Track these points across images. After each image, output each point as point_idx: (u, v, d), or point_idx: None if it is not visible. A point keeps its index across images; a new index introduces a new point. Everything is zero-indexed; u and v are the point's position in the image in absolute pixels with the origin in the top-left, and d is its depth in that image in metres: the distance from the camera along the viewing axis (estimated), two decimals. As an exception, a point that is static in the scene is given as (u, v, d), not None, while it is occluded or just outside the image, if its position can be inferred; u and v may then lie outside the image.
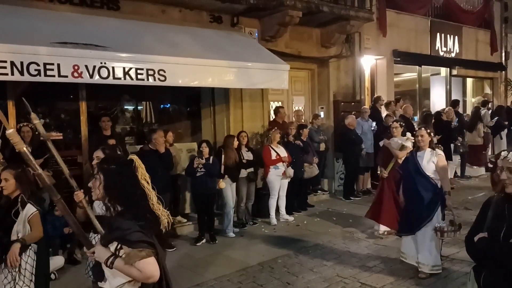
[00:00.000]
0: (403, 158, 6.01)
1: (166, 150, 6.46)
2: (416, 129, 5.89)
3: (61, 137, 7.44)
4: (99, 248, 2.24)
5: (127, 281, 2.24)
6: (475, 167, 11.13)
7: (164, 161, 6.33)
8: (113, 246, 2.22)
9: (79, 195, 3.48)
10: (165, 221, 2.35)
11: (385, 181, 6.32)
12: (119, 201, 2.28)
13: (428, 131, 5.03)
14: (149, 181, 2.40)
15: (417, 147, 5.09)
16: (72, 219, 2.59)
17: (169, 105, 9.10)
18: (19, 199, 3.60)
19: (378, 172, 7.16)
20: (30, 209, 3.61)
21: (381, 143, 6.67)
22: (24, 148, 2.57)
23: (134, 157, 2.41)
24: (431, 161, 4.93)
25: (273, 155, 7.51)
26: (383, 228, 6.41)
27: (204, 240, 6.62)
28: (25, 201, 3.60)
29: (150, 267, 2.17)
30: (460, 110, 12.07)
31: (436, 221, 4.89)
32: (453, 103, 11.59)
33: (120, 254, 2.19)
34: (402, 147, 6.01)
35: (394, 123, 6.46)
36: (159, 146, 6.30)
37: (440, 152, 5.02)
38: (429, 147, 5.00)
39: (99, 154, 3.66)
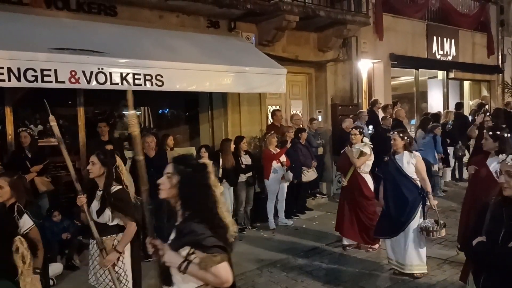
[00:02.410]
0: (363, 166, 6.07)
1: (158, 154, 6.41)
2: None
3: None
4: (170, 253, 2.20)
5: (198, 286, 2.22)
6: None
7: (155, 165, 6.24)
8: (184, 251, 2.18)
9: (82, 199, 3.56)
10: (232, 229, 2.30)
11: (345, 191, 6.27)
12: (191, 205, 2.25)
13: (401, 135, 5.18)
14: (218, 186, 2.37)
15: (393, 151, 5.20)
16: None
17: (167, 110, 9.11)
18: (16, 207, 3.44)
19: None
20: (26, 223, 3.42)
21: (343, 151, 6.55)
22: (137, 133, 2.57)
23: (207, 162, 2.39)
24: (410, 162, 5.08)
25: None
26: (346, 241, 6.27)
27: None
28: (22, 211, 3.44)
29: (225, 272, 2.16)
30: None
31: (418, 221, 5.01)
32: (457, 106, 11.62)
33: (191, 259, 2.16)
34: (361, 153, 6.01)
35: (353, 129, 6.28)
36: (149, 150, 6.26)
37: (417, 154, 5.22)
38: (405, 150, 5.13)
39: (94, 159, 3.62)
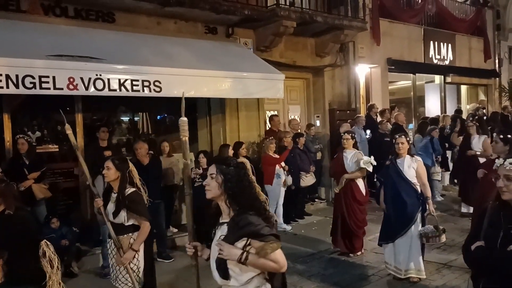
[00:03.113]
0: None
1: (152, 161, 6.39)
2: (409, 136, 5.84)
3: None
4: (228, 247, 2.28)
5: (256, 274, 2.35)
6: None
7: (149, 172, 6.08)
8: (241, 243, 2.29)
9: (98, 202, 3.86)
10: (273, 219, 2.48)
11: (338, 196, 6.26)
12: (241, 200, 2.36)
13: (408, 139, 5.19)
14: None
15: (396, 155, 5.18)
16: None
17: (165, 115, 9.11)
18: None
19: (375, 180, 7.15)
20: None
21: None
22: (186, 138, 2.72)
23: (245, 160, 2.53)
24: (411, 167, 5.07)
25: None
26: (333, 246, 6.33)
27: (201, 251, 6.57)
28: None
29: (281, 257, 2.31)
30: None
31: (417, 226, 5.00)
32: (457, 112, 11.65)
33: (249, 249, 2.27)
34: (361, 169, 6.01)
35: (345, 134, 6.23)
36: (142, 157, 6.22)
37: (419, 158, 5.22)
38: (407, 154, 5.13)
39: (109, 164, 3.84)
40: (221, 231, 2.40)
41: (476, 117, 11.11)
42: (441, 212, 8.12)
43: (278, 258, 2.29)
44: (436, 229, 4.89)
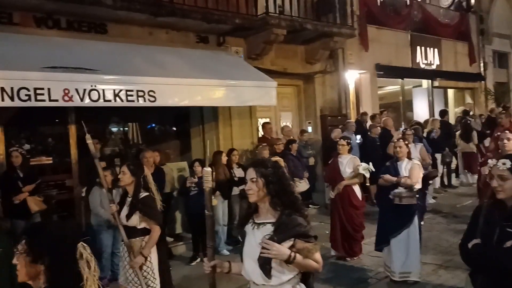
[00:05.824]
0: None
1: (156, 170, 6.40)
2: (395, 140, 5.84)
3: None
4: (279, 247, 2.29)
5: (296, 273, 2.40)
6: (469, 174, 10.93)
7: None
8: (288, 243, 2.33)
9: (113, 207, 4.06)
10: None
11: (334, 202, 6.31)
12: (285, 200, 2.40)
13: (406, 142, 5.25)
14: None
15: (396, 158, 5.25)
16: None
17: (158, 125, 9.12)
18: None
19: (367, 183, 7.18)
20: None
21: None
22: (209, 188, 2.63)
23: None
24: (409, 169, 5.12)
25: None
26: (333, 251, 6.34)
27: (198, 259, 6.58)
28: None
29: (320, 257, 2.42)
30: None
31: (415, 228, 5.05)
32: (442, 113, 11.78)
33: (295, 250, 2.32)
34: (358, 175, 6.09)
35: (341, 140, 6.31)
36: (148, 166, 6.22)
37: (416, 161, 5.28)
38: (406, 157, 5.20)
39: (124, 169, 4.01)
40: (263, 231, 2.39)
41: (463, 121, 11.29)
42: (434, 214, 8.24)
43: (319, 258, 2.40)
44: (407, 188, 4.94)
